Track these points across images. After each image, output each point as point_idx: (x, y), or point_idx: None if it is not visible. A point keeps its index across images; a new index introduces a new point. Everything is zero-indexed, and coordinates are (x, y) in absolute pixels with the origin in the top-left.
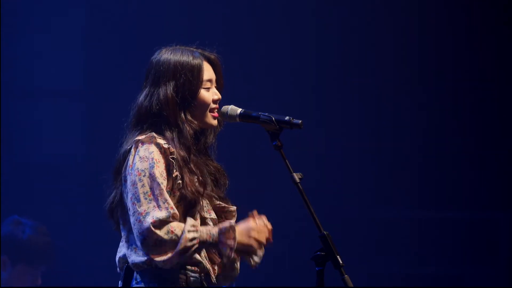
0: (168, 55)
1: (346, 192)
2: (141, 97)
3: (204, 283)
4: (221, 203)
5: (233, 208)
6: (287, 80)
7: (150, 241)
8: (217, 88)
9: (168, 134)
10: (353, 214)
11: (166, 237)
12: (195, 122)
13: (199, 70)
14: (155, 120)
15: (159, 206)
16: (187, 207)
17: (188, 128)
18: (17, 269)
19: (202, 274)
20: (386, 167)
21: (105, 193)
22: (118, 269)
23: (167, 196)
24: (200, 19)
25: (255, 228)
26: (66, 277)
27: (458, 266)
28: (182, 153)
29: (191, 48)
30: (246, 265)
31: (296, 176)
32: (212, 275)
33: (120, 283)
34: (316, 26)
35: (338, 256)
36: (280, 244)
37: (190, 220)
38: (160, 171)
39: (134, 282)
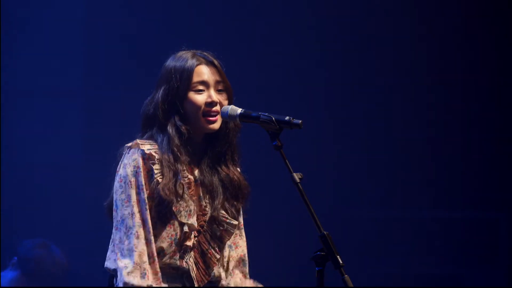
0: (171, 60)
1: (346, 192)
2: (146, 101)
3: (186, 282)
4: (224, 213)
5: (234, 222)
6: (287, 80)
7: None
8: (222, 90)
9: (159, 137)
10: (353, 214)
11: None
12: (185, 126)
13: (188, 73)
14: (153, 124)
15: (133, 215)
16: (162, 208)
17: (173, 132)
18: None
19: (184, 275)
20: (386, 167)
21: (104, 192)
22: None
23: (139, 208)
24: (203, 19)
25: None
26: (65, 278)
27: (458, 266)
28: (167, 156)
29: (195, 51)
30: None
31: (296, 176)
32: (196, 282)
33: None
34: (318, 27)
35: (338, 256)
36: (280, 244)
37: None
38: (140, 178)
39: (115, 282)
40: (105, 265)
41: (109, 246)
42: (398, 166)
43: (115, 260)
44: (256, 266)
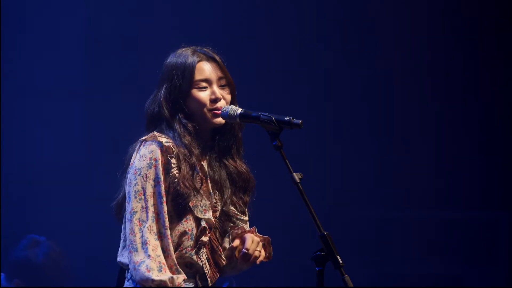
0: (172, 57)
1: (346, 192)
2: (148, 100)
3: (199, 282)
4: (233, 209)
5: (245, 218)
6: (287, 80)
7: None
8: (225, 85)
9: (170, 133)
10: (353, 214)
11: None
12: (191, 123)
13: (190, 70)
14: (159, 122)
15: (146, 208)
16: (179, 202)
17: (181, 129)
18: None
19: (197, 274)
20: (386, 167)
21: (105, 192)
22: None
23: (153, 201)
24: (203, 19)
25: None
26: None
27: (458, 266)
28: (183, 150)
29: (195, 48)
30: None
31: (296, 176)
32: (209, 278)
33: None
34: (317, 27)
35: (338, 256)
36: (280, 244)
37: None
38: (157, 171)
39: (126, 280)
40: (118, 260)
41: (121, 241)
42: (397, 166)
43: (129, 253)
44: (256, 266)
